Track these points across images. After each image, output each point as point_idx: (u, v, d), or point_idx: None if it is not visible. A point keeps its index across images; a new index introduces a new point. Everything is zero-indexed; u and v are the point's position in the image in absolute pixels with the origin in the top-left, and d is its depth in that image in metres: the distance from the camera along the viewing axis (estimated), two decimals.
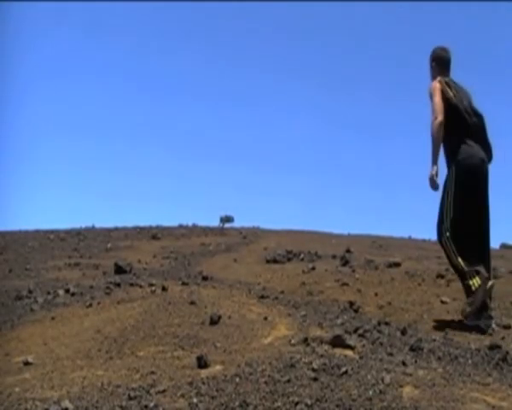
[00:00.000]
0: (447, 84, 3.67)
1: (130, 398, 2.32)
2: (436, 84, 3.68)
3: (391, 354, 2.87)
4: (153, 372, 2.69)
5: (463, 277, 3.60)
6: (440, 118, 3.53)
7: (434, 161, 3.60)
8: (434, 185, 3.68)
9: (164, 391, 2.38)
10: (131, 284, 5.46)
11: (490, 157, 3.70)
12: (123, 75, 34.53)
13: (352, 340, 3.00)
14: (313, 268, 6.77)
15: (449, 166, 3.70)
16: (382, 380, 2.38)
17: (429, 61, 3.95)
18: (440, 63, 3.86)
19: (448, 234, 3.63)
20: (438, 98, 3.58)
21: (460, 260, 3.57)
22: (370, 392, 2.26)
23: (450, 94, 3.61)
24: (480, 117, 3.70)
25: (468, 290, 3.56)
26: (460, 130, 3.60)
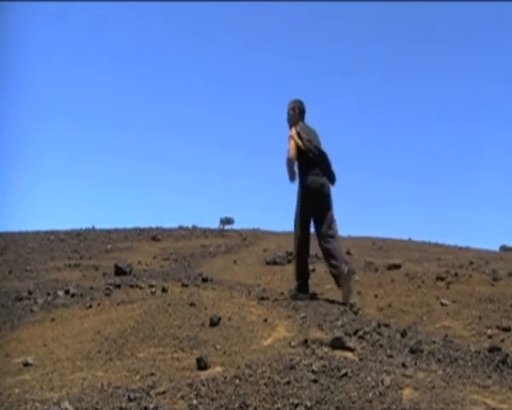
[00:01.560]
0: (299, 133, 4.91)
1: (129, 399, 2.32)
2: (293, 132, 4.92)
3: (391, 356, 2.87)
4: (152, 374, 2.68)
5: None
6: (291, 157, 4.86)
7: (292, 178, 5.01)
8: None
9: (164, 393, 2.37)
10: (131, 286, 5.46)
11: (332, 182, 5.01)
12: (122, 78, 34.56)
13: (351, 342, 3.00)
14: (313, 270, 6.76)
15: (299, 189, 5.00)
16: (382, 382, 2.38)
17: (289, 110, 5.11)
18: (298, 112, 5.09)
19: (298, 235, 5.00)
20: (292, 143, 4.86)
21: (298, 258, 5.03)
22: (370, 394, 2.26)
23: (300, 143, 4.87)
24: (323, 154, 4.96)
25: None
26: (307, 164, 4.91)
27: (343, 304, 4.52)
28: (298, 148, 4.85)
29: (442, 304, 4.51)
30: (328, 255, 4.79)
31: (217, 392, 2.33)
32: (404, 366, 2.69)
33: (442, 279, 5.45)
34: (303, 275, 4.98)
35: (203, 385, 2.42)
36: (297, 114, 5.06)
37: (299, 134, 4.88)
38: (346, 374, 2.47)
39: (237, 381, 2.44)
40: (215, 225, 14.30)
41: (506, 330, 3.66)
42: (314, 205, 4.89)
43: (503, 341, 3.37)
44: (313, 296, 4.86)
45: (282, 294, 5.26)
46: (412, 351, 3.00)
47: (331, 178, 5.00)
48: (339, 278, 4.67)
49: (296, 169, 4.97)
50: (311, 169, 4.88)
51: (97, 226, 14.28)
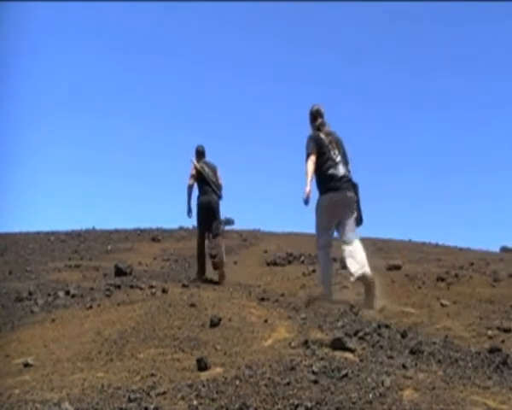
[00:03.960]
0: (202, 167, 6.94)
1: (130, 400, 2.32)
2: (192, 166, 6.91)
3: (391, 357, 2.87)
4: (153, 374, 2.68)
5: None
6: (190, 183, 6.93)
7: (188, 204, 7.08)
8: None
9: (164, 393, 2.38)
10: (132, 286, 5.47)
11: (219, 198, 7.04)
12: (123, 75, 34.59)
13: (352, 343, 3.00)
14: (313, 271, 6.77)
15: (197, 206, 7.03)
16: (382, 383, 2.38)
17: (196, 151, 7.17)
18: (197, 154, 7.11)
19: (198, 239, 7.18)
20: (193, 171, 6.89)
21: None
22: (370, 395, 2.26)
23: (203, 172, 6.91)
24: (214, 182, 6.98)
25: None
26: (202, 188, 6.94)
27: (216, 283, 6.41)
28: (198, 175, 6.86)
29: (442, 305, 4.51)
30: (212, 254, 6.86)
31: (217, 393, 2.34)
32: (404, 367, 2.69)
33: (442, 280, 5.45)
34: (202, 269, 6.90)
35: (203, 386, 2.42)
36: (196, 155, 7.09)
37: (202, 167, 6.94)
38: (346, 375, 2.47)
39: (237, 382, 2.44)
40: None
41: (506, 331, 3.65)
42: (203, 216, 6.92)
43: (503, 342, 3.36)
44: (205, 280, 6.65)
45: (283, 295, 5.26)
46: (412, 352, 3.00)
47: (219, 194, 7.01)
48: (216, 265, 6.78)
49: (195, 190, 6.99)
50: (204, 191, 6.90)
51: (98, 227, 14.27)
